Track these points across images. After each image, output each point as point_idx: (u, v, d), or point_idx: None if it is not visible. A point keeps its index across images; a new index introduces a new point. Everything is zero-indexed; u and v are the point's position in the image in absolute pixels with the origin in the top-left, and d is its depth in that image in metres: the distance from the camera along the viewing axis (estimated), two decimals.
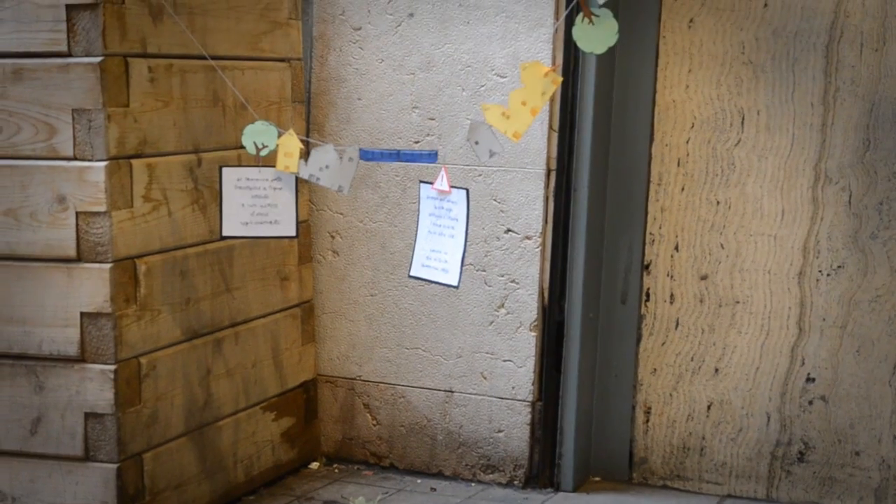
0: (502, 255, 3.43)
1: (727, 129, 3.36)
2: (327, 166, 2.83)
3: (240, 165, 3.03)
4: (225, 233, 2.94)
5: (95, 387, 2.85)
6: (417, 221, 2.84)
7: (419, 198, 2.84)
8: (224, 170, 2.93)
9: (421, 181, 2.86)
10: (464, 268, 2.79)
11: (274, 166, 2.89)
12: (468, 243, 3.45)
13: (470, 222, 3.41)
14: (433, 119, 3.47)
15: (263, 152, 2.87)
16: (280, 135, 2.87)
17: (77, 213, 2.83)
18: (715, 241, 3.39)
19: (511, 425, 3.45)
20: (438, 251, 2.82)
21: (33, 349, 2.89)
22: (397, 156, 2.95)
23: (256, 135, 2.88)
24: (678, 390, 3.45)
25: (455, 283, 2.80)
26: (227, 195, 2.92)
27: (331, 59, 3.56)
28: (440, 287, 3.48)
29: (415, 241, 2.84)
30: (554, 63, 3.33)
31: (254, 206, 2.94)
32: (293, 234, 2.97)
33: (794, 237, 3.32)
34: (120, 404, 2.86)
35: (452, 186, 2.81)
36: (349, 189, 2.86)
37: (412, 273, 2.85)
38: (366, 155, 2.88)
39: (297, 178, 2.92)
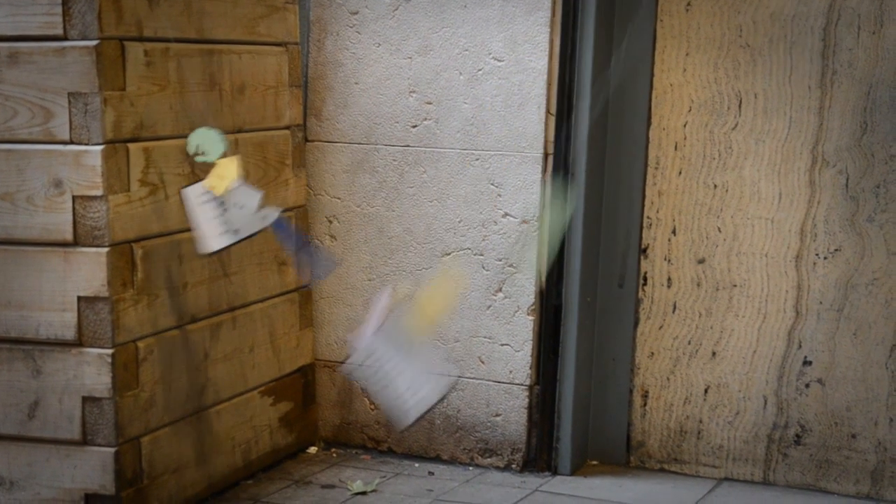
0: (500, 239, 3.43)
1: (724, 112, 3.35)
2: (237, 230, 2.82)
3: (196, 181, 2.93)
4: (211, 249, 2.86)
5: (93, 371, 2.86)
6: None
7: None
8: (185, 191, 2.87)
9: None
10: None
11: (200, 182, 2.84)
12: (465, 227, 3.45)
13: (461, 208, 3.42)
14: (430, 103, 3.47)
15: (199, 158, 2.83)
16: (224, 155, 2.83)
17: (74, 197, 2.83)
18: (712, 224, 3.39)
19: (509, 409, 3.45)
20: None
21: (31, 333, 2.89)
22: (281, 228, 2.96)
23: (203, 139, 2.84)
24: (675, 374, 3.46)
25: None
26: (195, 213, 2.85)
27: (328, 44, 3.55)
28: (438, 272, 3.49)
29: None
30: (551, 47, 3.33)
31: (223, 215, 2.89)
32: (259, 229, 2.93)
33: (791, 220, 3.32)
34: (117, 388, 2.86)
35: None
36: (223, 242, 2.82)
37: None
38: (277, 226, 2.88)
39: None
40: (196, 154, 2.84)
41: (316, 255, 2.95)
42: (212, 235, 2.86)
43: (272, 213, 2.87)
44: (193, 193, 2.87)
